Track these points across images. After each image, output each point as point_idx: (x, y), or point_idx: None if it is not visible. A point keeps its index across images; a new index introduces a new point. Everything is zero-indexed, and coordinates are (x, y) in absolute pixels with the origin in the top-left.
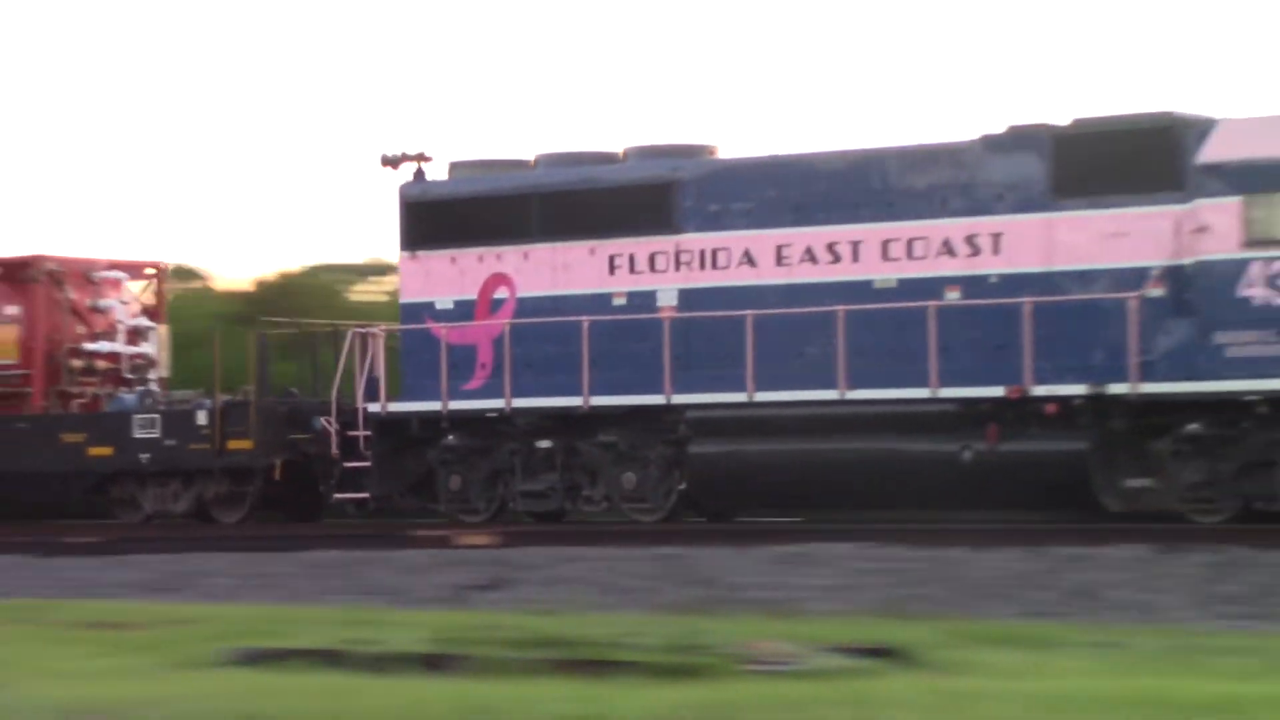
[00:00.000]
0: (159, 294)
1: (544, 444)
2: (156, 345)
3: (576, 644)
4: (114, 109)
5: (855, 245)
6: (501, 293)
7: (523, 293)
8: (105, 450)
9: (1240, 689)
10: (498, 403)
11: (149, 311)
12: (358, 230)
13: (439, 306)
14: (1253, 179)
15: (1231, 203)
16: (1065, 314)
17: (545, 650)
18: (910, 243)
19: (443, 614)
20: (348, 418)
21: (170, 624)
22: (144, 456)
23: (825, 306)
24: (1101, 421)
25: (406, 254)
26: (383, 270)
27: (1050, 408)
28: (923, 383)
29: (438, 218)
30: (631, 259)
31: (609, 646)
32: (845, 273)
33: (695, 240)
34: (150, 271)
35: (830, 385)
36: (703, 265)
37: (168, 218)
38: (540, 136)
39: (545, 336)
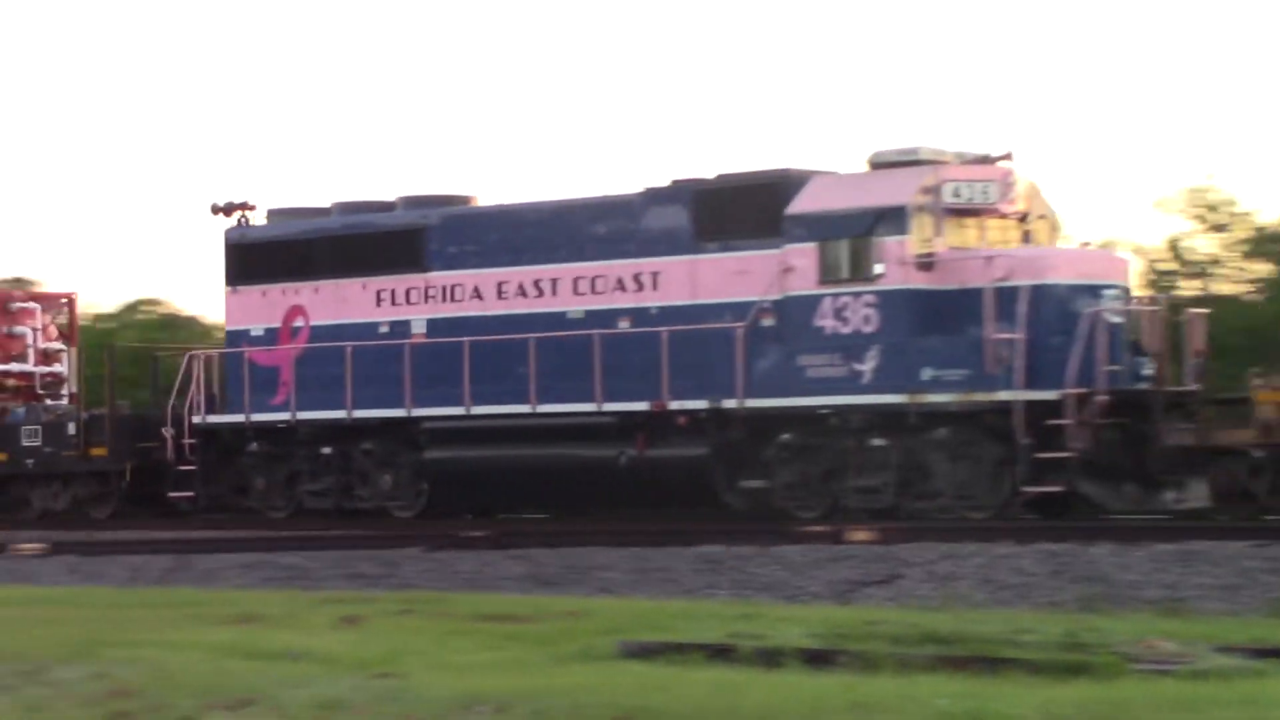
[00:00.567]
0: (71, 320)
1: (325, 450)
2: (67, 365)
3: (963, 641)
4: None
5: (554, 281)
6: (299, 321)
7: (315, 321)
8: (1, 456)
9: None
10: (287, 415)
11: (63, 335)
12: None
13: (253, 334)
14: (824, 227)
15: (809, 247)
16: (693, 341)
17: (932, 647)
18: (594, 279)
19: (827, 609)
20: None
21: (559, 617)
22: (29, 462)
23: (527, 334)
24: (721, 431)
25: (229, 288)
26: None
27: (681, 420)
28: (590, 398)
29: (253, 257)
30: (393, 293)
31: (996, 644)
32: (547, 305)
33: (439, 278)
34: (63, 301)
35: (526, 400)
36: (444, 299)
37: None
38: (377, 181)
39: (326, 359)
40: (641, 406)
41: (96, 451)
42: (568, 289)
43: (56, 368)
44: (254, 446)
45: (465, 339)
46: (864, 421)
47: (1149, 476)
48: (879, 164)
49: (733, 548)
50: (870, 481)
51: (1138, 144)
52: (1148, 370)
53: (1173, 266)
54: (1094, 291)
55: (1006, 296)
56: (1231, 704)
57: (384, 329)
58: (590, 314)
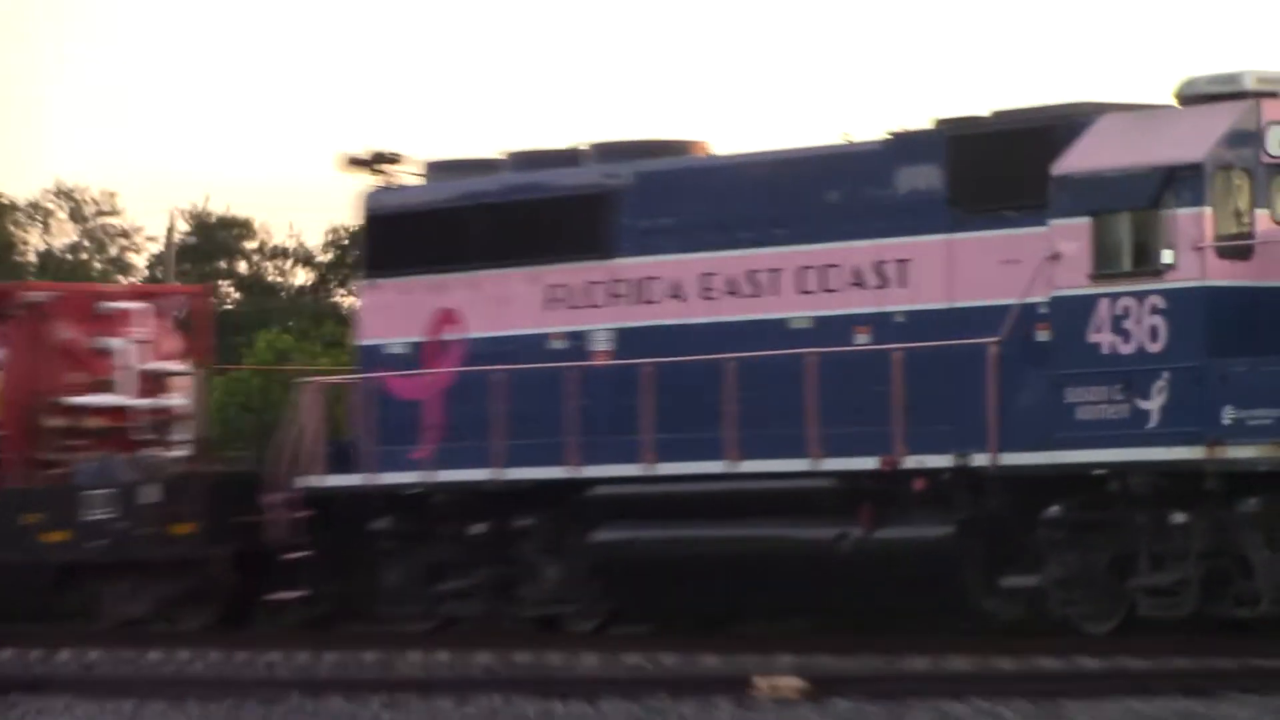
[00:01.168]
0: (200, 327)
1: (475, 529)
2: (188, 395)
3: None
4: None
5: (773, 273)
6: (450, 332)
7: (471, 332)
8: (60, 535)
9: None
10: (419, 476)
11: (190, 349)
12: None
13: (391, 350)
14: (1099, 194)
15: (1080, 224)
16: (936, 364)
17: None
18: (824, 270)
19: None
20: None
21: None
22: (97, 543)
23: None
24: (973, 501)
25: (365, 281)
26: None
27: (918, 483)
28: (802, 451)
29: (396, 234)
30: (569, 290)
31: None
32: (762, 309)
33: (629, 266)
34: (180, 299)
35: (720, 454)
36: (637, 298)
37: None
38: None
39: (480, 391)
40: (868, 464)
41: (181, 529)
42: (790, 284)
43: (172, 399)
44: (382, 523)
45: (644, 361)
46: (1149, 487)
47: None
48: (1187, 97)
49: None
50: (1166, 578)
51: None
52: None
53: None
54: None
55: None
56: None
57: (556, 344)
58: (820, 321)
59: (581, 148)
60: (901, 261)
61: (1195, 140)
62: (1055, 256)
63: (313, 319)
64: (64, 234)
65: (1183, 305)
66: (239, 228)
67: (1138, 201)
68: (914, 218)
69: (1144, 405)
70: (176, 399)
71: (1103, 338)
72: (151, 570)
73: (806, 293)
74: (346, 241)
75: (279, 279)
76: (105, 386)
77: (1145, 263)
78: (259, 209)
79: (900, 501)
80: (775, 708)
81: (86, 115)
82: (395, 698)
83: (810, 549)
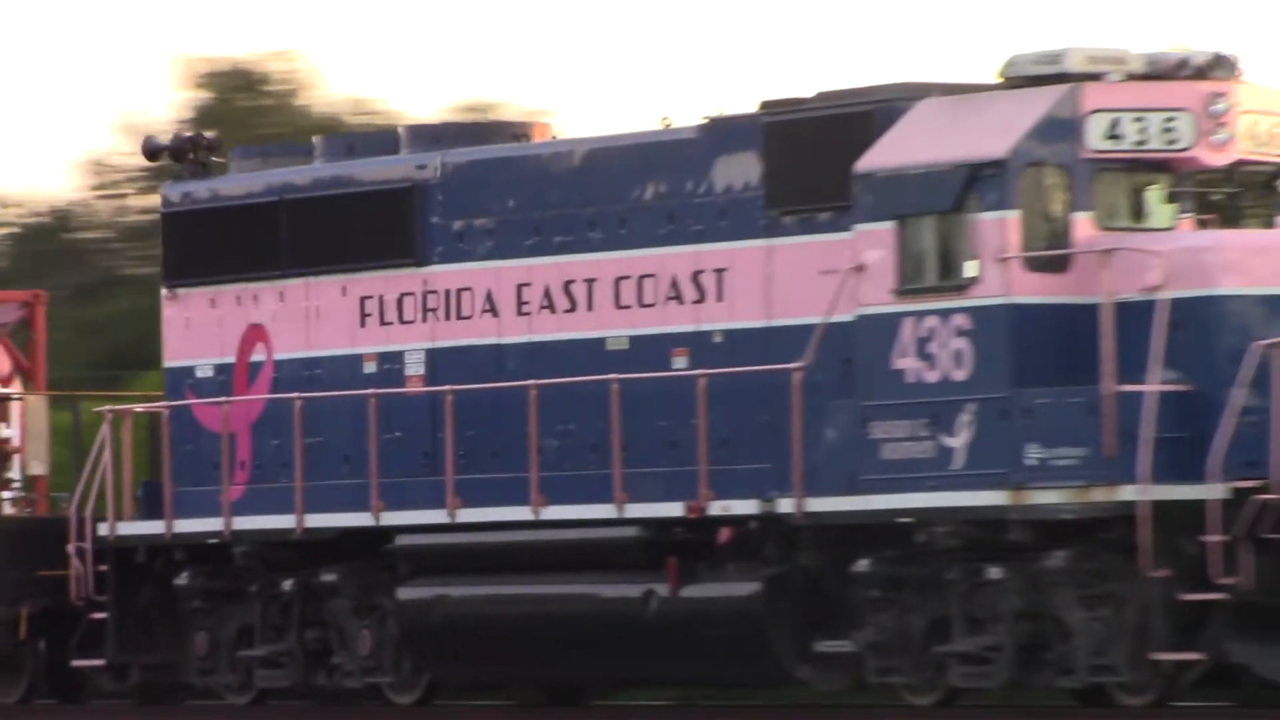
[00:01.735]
0: (34, 341)
1: (285, 585)
2: (22, 423)
3: None
4: None
5: (589, 284)
6: (259, 353)
7: (278, 353)
8: None
9: None
10: (219, 523)
11: (20, 369)
12: None
13: (199, 373)
14: (902, 195)
15: (884, 230)
16: (740, 394)
17: None
18: (640, 280)
19: None
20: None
21: None
22: None
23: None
24: (782, 554)
25: (165, 291)
26: None
27: (724, 534)
28: (608, 496)
29: (198, 236)
30: (381, 302)
31: None
32: (578, 327)
33: (441, 275)
34: (10, 309)
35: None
36: (449, 313)
37: None
38: None
39: (285, 422)
40: (675, 510)
41: None
42: (606, 297)
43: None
44: (185, 578)
45: (442, 390)
46: (958, 538)
47: None
48: (1010, 79)
49: None
50: (976, 643)
51: None
52: None
53: None
54: None
55: (1143, 316)
56: None
57: (369, 366)
58: (636, 341)
59: (399, 131)
60: (719, 271)
61: (1001, 133)
62: (859, 268)
63: None
64: None
65: (987, 326)
66: None
67: (940, 204)
68: (731, 220)
69: (949, 443)
70: (5, 429)
71: (908, 363)
72: None
73: (623, 308)
74: None
75: None
76: None
77: (949, 276)
78: None
79: (713, 554)
80: None
81: None
82: None
83: (618, 608)
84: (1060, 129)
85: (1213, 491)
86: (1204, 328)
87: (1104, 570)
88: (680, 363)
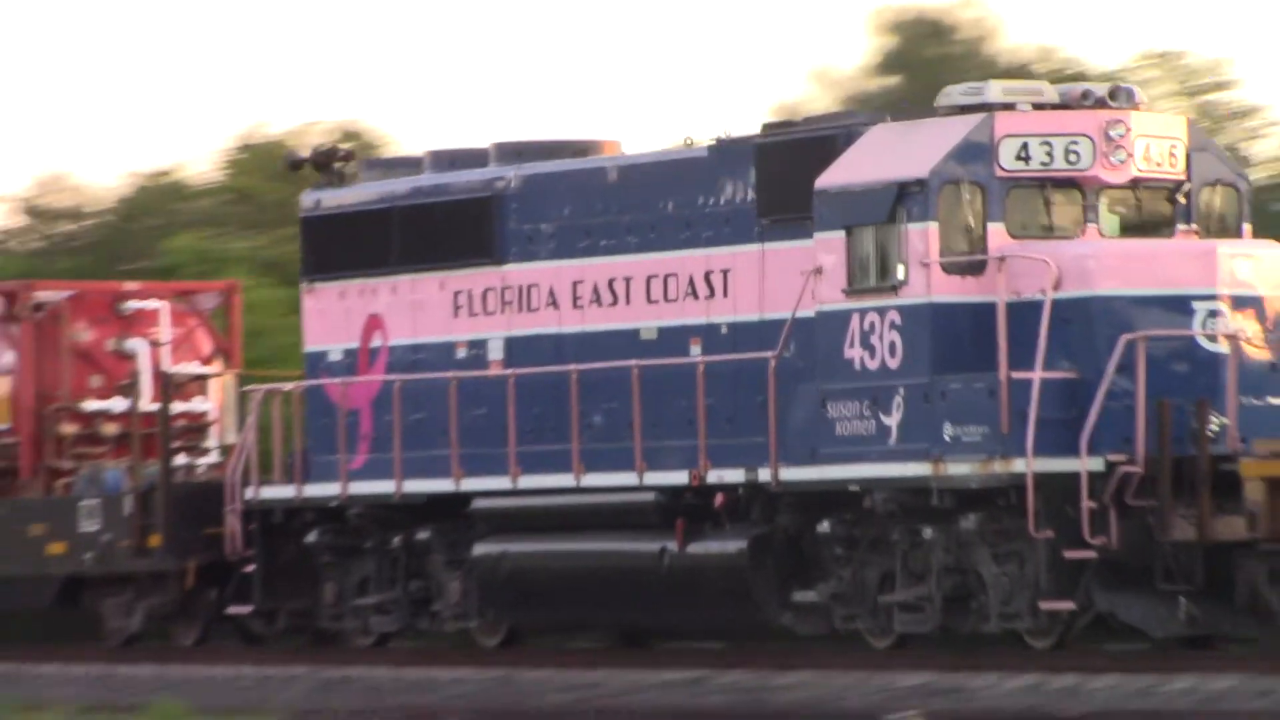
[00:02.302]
0: (231, 326)
1: (394, 542)
2: (217, 399)
3: None
4: None
5: (627, 281)
6: (377, 339)
7: (393, 339)
8: (59, 547)
9: None
10: (337, 489)
11: (221, 350)
12: None
13: (331, 357)
14: (850, 209)
15: (836, 239)
16: (732, 377)
17: None
18: (666, 279)
19: None
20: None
21: None
22: (87, 556)
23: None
24: (765, 518)
25: (304, 285)
26: None
27: (718, 500)
28: (631, 465)
29: (330, 237)
30: (470, 296)
31: None
32: (620, 318)
33: (516, 273)
34: (210, 297)
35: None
36: (522, 306)
37: None
38: None
39: (401, 400)
40: (681, 479)
41: (153, 540)
42: (640, 293)
43: (196, 404)
44: (313, 536)
45: (507, 373)
46: (895, 503)
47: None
48: (941, 108)
49: None
50: (911, 594)
51: None
52: (1215, 427)
53: None
54: (1179, 305)
55: (1032, 315)
56: None
57: (461, 352)
58: (663, 332)
59: (489, 148)
60: (725, 272)
61: (925, 156)
62: (818, 270)
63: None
64: None
65: (913, 321)
66: None
67: (878, 216)
68: (732, 228)
69: (887, 421)
70: (204, 403)
71: (855, 353)
72: (143, 583)
73: (653, 302)
74: None
75: None
76: (125, 391)
77: (885, 278)
78: None
79: (713, 516)
80: None
81: None
82: None
83: (640, 562)
84: (976, 152)
85: (1085, 464)
86: (1086, 323)
87: (1007, 531)
88: (696, 351)
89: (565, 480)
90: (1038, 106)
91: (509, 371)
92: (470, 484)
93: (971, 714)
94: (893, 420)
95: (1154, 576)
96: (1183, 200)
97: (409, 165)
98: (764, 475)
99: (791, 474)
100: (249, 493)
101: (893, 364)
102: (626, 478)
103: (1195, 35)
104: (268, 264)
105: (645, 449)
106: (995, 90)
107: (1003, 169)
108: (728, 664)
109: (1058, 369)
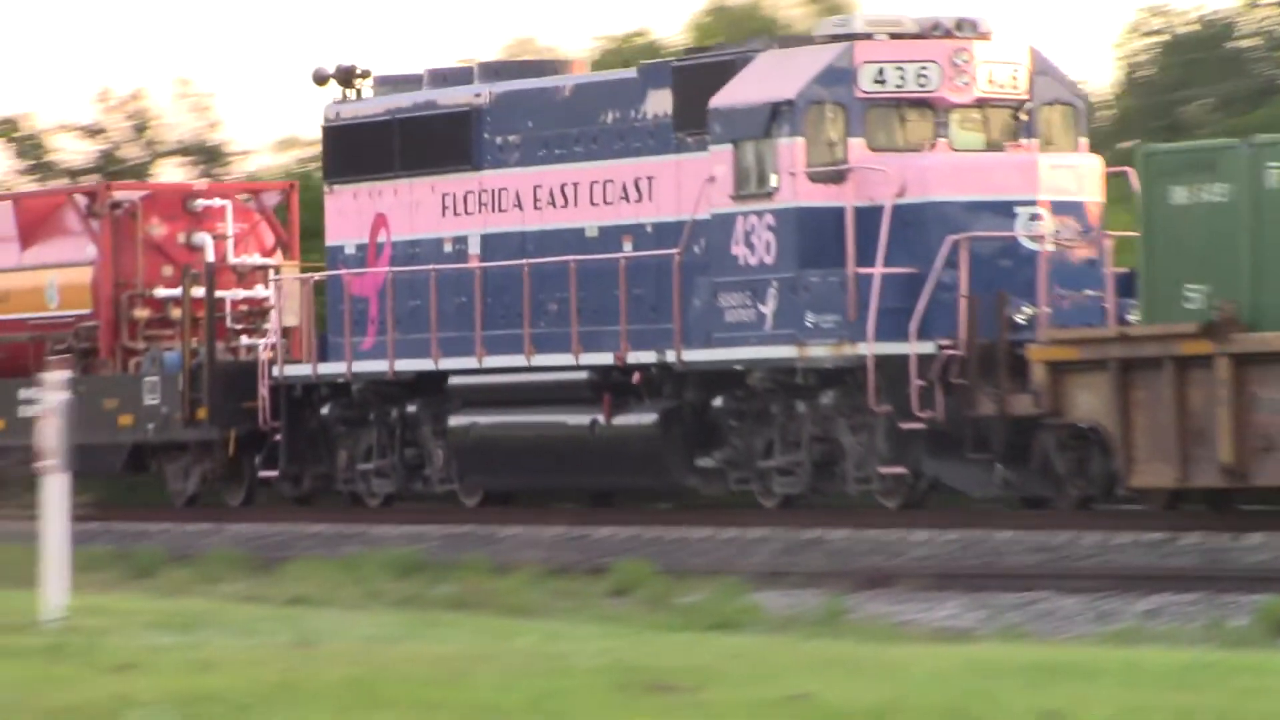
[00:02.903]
0: (290, 220)
1: (391, 415)
2: (280, 286)
3: None
4: None
5: (574, 187)
6: (382, 235)
7: (395, 235)
8: (128, 419)
9: None
10: (342, 368)
11: (280, 243)
12: None
13: (346, 251)
14: (735, 125)
15: (725, 151)
16: (649, 271)
17: None
18: (605, 184)
19: None
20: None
21: None
22: (150, 427)
23: (532, 259)
24: (673, 394)
25: (326, 187)
26: None
27: (635, 377)
28: (568, 348)
29: (346, 145)
30: (454, 199)
31: None
32: (569, 218)
33: (491, 178)
34: (273, 195)
35: (522, 351)
36: (495, 207)
37: None
38: None
39: (398, 289)
40: (607, 360)
41: (201, 413)
42: (585, 197)
43: (258, 291)
44: (327, 409)
45: (474, 266)
46: (769, 381)
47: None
48: (817, 36)
49: None
50: (785, 460)
51: None
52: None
53: None
54: (1004, 210)
55: (873, 218)
56: None
57: (448, 247)
58: (603, 231)
59: (473, 66)
60: (650, 179)
61: (794, 80)
62: (711, 179)
63: None
64: None
65: (783, 223)
66: None
67: (756, 132)
68: (656, 140)
69: (763, 310)
70: (264, 291)
71: (740, 250)
72: (195, 451)
73: (594, 205)
74: None
75: None
76: (197, 280)
77: (762, 186)
78: None
79: (635, 392)
80: None
81: None
82: None
83: (576, 432)
84: (838, 76)
85: (914, 348)
86: (922, 226)
87: (859, 406)
88: (628, 247)
89: (519, 360)
90: (895, 36)
91: (474, 265)
92: (447, 363)
93: None
94: (768, 309)
95: (963, 446)
96: (1025, 118)
97: (411, 82)
98: (670, 356)
99: (691, 355)
100: (275, 370)
101: (768, 260)
102: (566, 358)
103: None
104: None
105: (583, 334)
106: (859, 22)
107: (862, 91)
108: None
109: (899, 266)
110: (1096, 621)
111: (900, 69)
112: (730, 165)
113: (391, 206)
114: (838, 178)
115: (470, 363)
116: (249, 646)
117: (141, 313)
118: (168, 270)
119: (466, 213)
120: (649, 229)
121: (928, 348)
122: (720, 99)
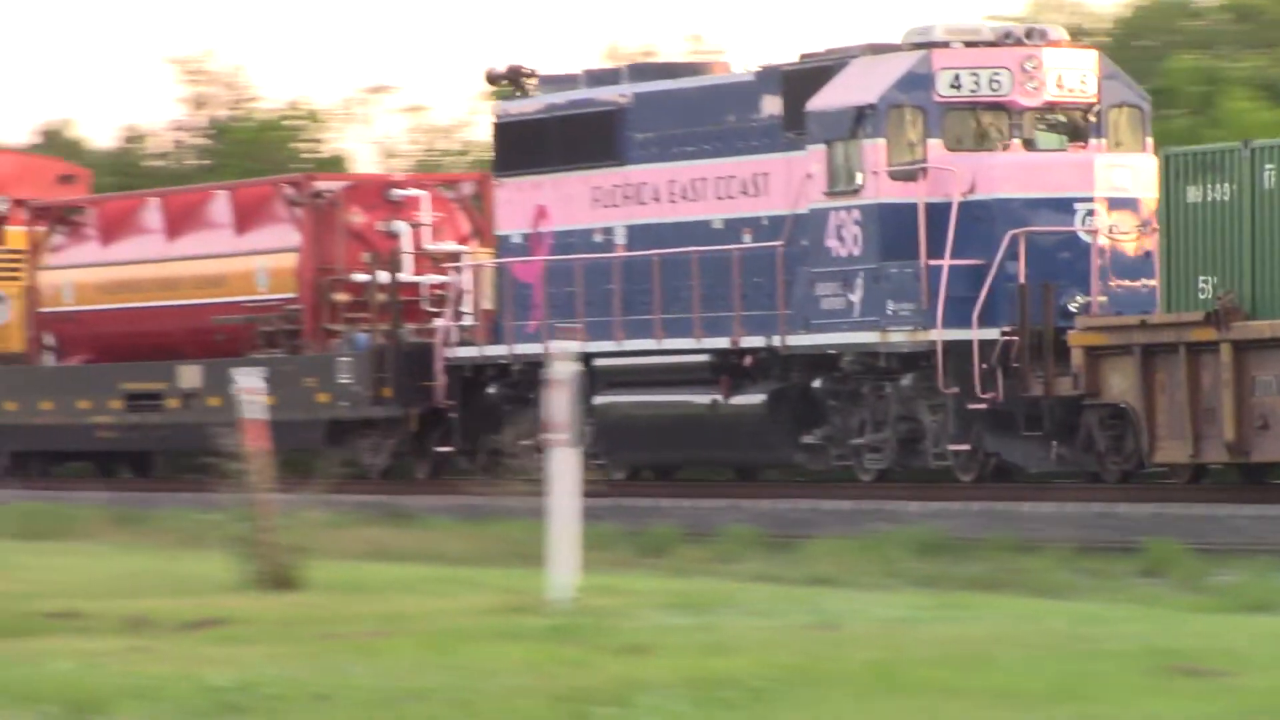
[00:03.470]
0: (485, 209)
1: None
2: (476, 271)
3: None
4: None
5: (700, 182)
6: (544, 225)
7: (555, 225)
8: (325, 397)
9: None
10: (504, 350)
11: (477, 230)
12: None
13: (513, 240)
14: (828, 127)
15: (820, 150)
16: (760, 262)
17: None
18: (727, 180)
19: None
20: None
21: None
22: (344, 404)
23: (661, 250)
24: (780, 376)
25: (495, 180)
26: None
27: (747, 360)
28: (691, 333)
29: (513, 140)
30: (602, 191)
31: None
32: (696, 211)
33: (636, 173)
34: (467, 185)
35: (654, 334)
36: (638, 199)
37: None
38: None
39: (554, 276)
40: (724, 344)
41: (386, 392)
42: (711, 191)
43: (455, 276)
44: (493, 389)
45: (614, 256)
46: (859, 364)
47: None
48: (904, 45)
49: None
50: (873, 438)
51: None
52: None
53: None
54: (1063, 206)
55: (942, 214)
56: None
57: (598, 238)
58: (727, 223)
59: (623, 68)
60: (765, 175)
61: (877, 84)
62: (809, 176)
63: None
64: None
65: (867, 218)
66: None
67: (845, 133)
68: (769, 139)
69: (852, 298)
70: (459, 276)
71: (833, 243)
72: (385, 427)
73: (720, 199)
74: None
75: None
76: (376, 265)
77: (850, 183)
78: None
79: (749, 374)
80: None
81: None
82: None
83: (699, 410)
84: (917, 81)
85: (976, 334)
86: (989, 221)
87: (934, 387)
88: (748, 239)
89: (651, 344)
90: (971, 44)
91: (613, 255)
92: (592, 346)
93: None
94: (856, 298)
95: (1017, 425)
96: (1093, 119)
97: (570, 82)
98: (775, 341)
99: (792, 340)
100: (448, 352)
101: (856, 252)
102: (690, 342)
103: None
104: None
105: (704, 320)
106: (938, 31)
107: (939, 95)
108: None
109: (966, 258)
110: None
111: (975, 74)
112: (824, 163)
113: (550, 198)
114: (914, 176)
115: (611, 346)
116: (765, 628)
117: (341, 296)
118: (366, 256)
119: (614, 205)
120: (765, 222)
121: (990, 334)
122: (815, 102)
